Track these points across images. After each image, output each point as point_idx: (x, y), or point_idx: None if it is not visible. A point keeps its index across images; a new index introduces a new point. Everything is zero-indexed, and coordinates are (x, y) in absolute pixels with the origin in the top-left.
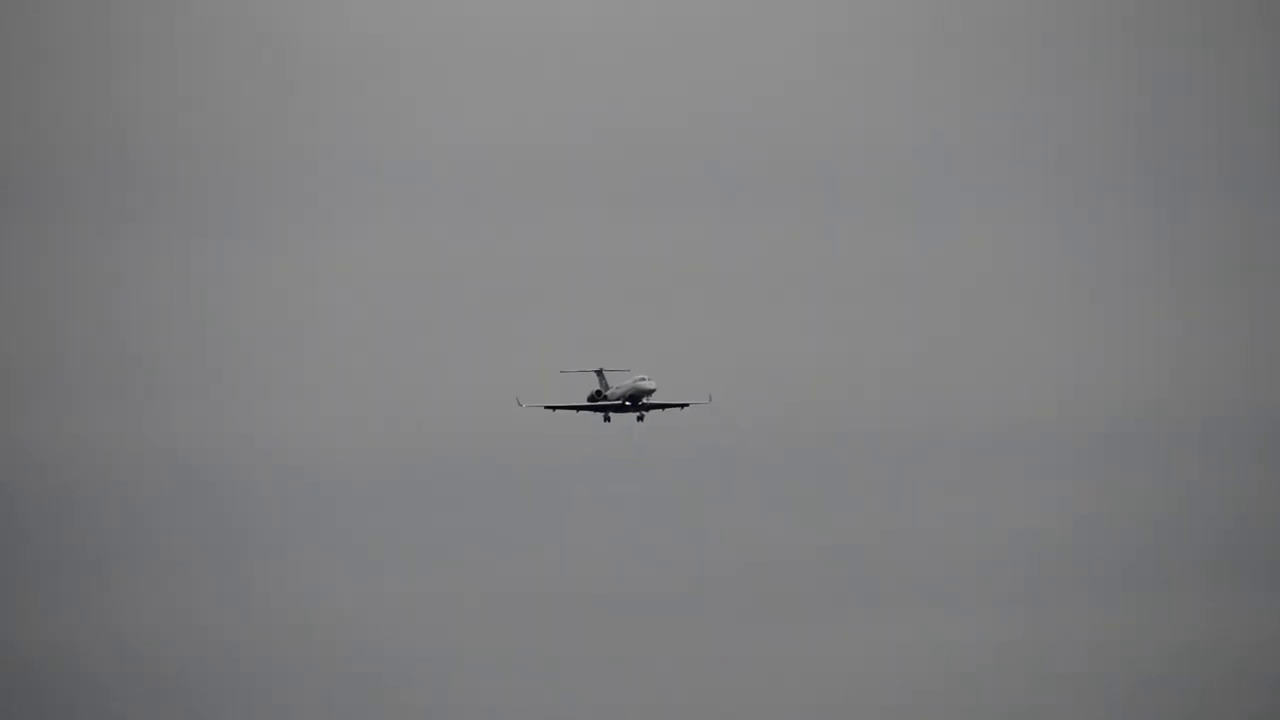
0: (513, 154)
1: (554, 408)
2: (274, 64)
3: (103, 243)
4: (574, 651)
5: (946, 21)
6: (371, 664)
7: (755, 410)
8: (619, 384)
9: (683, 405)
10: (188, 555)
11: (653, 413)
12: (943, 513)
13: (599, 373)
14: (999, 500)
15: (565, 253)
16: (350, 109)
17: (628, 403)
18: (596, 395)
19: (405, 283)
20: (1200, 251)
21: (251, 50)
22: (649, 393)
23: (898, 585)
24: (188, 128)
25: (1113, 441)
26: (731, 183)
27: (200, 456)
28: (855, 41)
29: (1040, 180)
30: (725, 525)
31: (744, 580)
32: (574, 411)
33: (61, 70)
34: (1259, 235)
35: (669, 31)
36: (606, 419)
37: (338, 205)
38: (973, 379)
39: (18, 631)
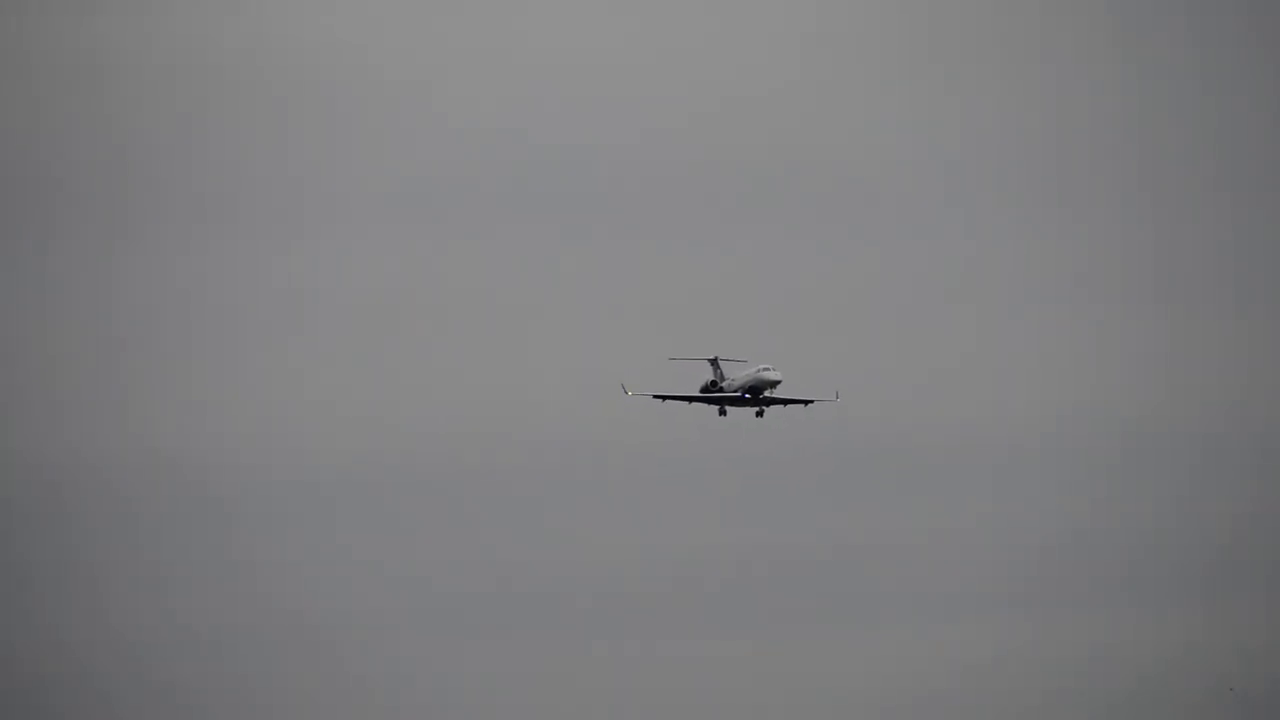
0: (624, 151)
1: (664, 397)
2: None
3: (103, 245)
4: (680, 647)
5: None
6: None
7: (882, 411)
8: (735, 374)
9: (807, 402)
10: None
11: (773, 408)
12: (1063, 513)
13: (713, 361)
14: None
15: (684, 252)
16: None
17: (747, 395)
18: (710, 385)
19: (503, 271)
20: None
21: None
22: (773, 384)
23: (1022, 582)
24: (187, 134)
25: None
26: (858, 184)
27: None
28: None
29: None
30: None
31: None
32: (686, 402)
33: (53, 75)
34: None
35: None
36: (722, 412)
37: (433, 194)
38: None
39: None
